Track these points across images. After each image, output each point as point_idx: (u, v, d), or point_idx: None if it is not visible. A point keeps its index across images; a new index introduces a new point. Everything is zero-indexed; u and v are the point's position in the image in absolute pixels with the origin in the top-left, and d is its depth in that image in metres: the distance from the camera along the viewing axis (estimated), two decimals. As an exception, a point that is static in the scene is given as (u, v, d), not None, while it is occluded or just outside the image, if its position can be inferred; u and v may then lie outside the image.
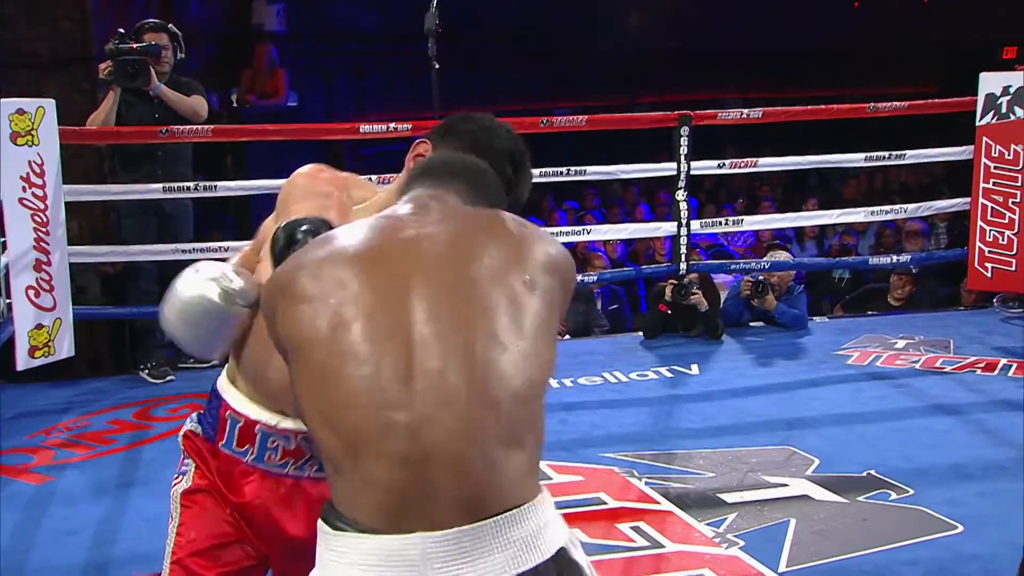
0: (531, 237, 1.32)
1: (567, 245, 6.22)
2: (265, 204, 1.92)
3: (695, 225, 5.22)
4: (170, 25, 4.88)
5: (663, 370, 4.70)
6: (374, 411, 1.17)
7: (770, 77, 12.41)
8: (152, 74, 4.63)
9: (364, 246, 1.29)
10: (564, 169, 4.97)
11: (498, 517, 1.17)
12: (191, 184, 4.68)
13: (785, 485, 3.36)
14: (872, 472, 3.40)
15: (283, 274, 1.31)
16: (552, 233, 5.49)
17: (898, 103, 5.40)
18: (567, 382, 4.52)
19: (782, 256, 5.43)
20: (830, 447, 3.65)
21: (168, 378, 4.67)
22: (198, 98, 4.80)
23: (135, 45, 4.64)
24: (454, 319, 1.21)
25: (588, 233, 5.40)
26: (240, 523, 1.69)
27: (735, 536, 2.97)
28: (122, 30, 4.69)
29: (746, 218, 5.89)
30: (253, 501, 1.67)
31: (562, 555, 1.22)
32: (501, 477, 1.18)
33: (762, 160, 5.35)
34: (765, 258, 5.45)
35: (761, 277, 5.21)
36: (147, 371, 4.70)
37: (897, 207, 5.88)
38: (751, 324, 5.35)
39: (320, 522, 1.23)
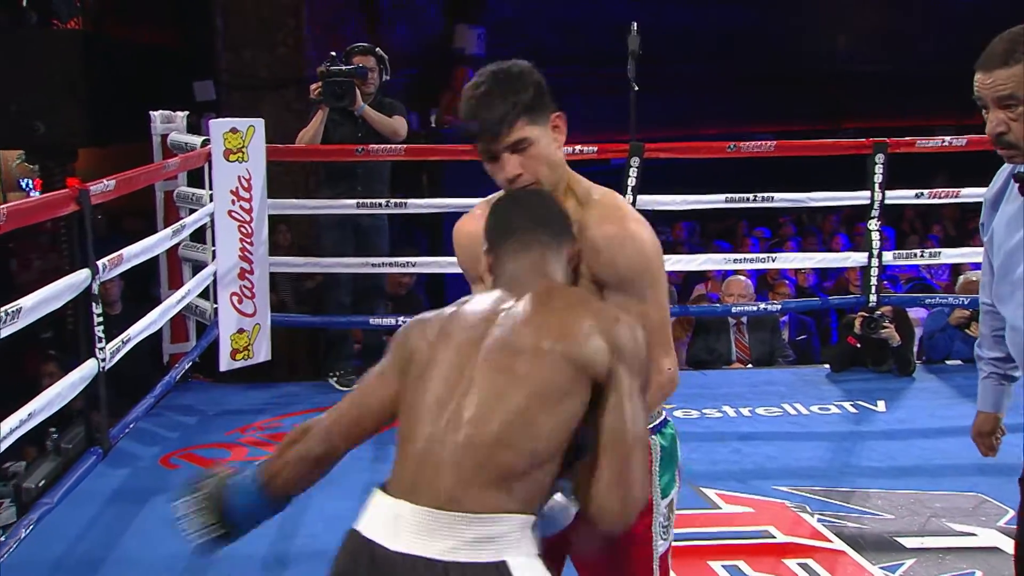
0: (576, 311, 1.62)
1: (752, 273, 6.11)
2: (455, 222, 1.99)
3: (887, 256, 4.98)
4: (377, 49, 5.05)
5: (847, 404, 4.50)
6: (420, 426, 1.60)
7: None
8: (357, 95, 4.81)
9: (457, 322, 1.69)
10: (750, 196, 4.86)
11: (460, 514, 1.50)
12: (383, 200, 4.86)
13: (972, 535, 3.16)
14: (1076, 530, 3.15)
15: (428, 317, 1.75)
16: (735, 260, 5.39)
17: None
18: (744, 411, 4.42)
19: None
20: (1028, 498, 3.40)
21: (355, 386, 4.86)
22: (399, 118, 4.95)
23: (344, 67, 4.87)
24: (490, 388, 1.59)
25: (773, 261, 5.26)
26: None
27: (911, 583, 2.83)
28: (334, 53, 4.92)
29: (944, 251, 5.56)
30: None
31: (501, 567, 1.48)
32: (477, 494, 1.51)
33: (965, 190, 5.03)
34: (958, 286, 5.15)
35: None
36: (336, 379, 4.90)
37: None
38: (947, 362, 5.05)
39: None
